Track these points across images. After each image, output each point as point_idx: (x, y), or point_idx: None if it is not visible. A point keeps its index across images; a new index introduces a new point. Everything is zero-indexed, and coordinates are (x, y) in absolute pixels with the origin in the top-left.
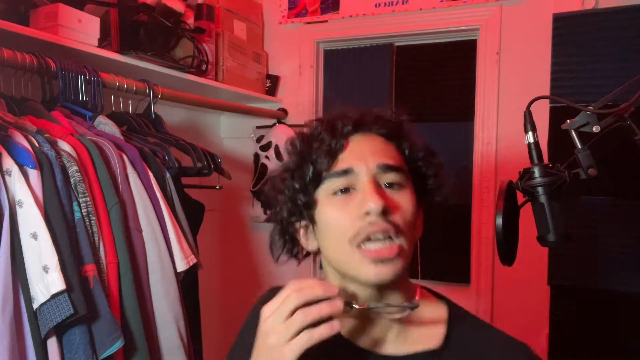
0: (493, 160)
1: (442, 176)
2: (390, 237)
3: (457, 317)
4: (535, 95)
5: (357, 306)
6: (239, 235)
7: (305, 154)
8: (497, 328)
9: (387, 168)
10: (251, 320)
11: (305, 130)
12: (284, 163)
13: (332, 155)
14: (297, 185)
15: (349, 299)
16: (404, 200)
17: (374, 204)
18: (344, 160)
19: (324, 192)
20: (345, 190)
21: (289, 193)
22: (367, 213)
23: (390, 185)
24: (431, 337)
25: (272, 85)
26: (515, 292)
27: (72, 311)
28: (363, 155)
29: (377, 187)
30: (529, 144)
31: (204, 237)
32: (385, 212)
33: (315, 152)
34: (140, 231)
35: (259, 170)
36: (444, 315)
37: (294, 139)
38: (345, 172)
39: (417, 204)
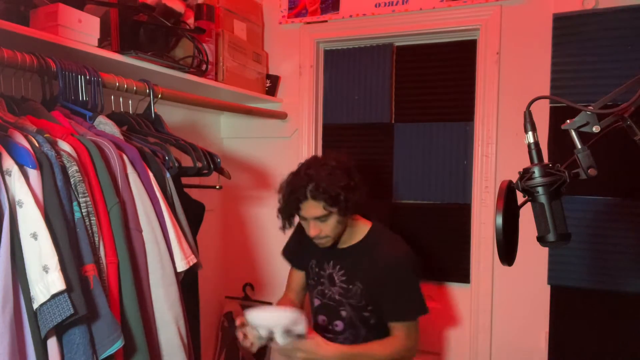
0: (493, 160)
1: (352, 203)
2: (321, 239)
3: (374, 227)
4: (535, 95)
5: None
6: (239, 235)
7: (287, 204)
8: (396, 237)
9: (317, 217)
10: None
11: (286, 187)
12: (281, 195)
13: (298, 208)
14: (287, 209)
15: None
16: (325, 225)
17: (311, 235)
18: (304, 210)
19: (299, 215)
20: (305, 219)
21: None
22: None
23: (319, 218)
24: (359, 236)
25: (272, 85)
26: (515, 292)
27: (72, 311)
28: (309, 213)
29: (314, 224)
30: (529, 144)
31: (204, 237)
32: (317, 233)
33: (291, 205)
34: (140, 231)
35: None
36: (369, 226)
37: (280, 192)
38: (305, 217)
39: (340, 216)
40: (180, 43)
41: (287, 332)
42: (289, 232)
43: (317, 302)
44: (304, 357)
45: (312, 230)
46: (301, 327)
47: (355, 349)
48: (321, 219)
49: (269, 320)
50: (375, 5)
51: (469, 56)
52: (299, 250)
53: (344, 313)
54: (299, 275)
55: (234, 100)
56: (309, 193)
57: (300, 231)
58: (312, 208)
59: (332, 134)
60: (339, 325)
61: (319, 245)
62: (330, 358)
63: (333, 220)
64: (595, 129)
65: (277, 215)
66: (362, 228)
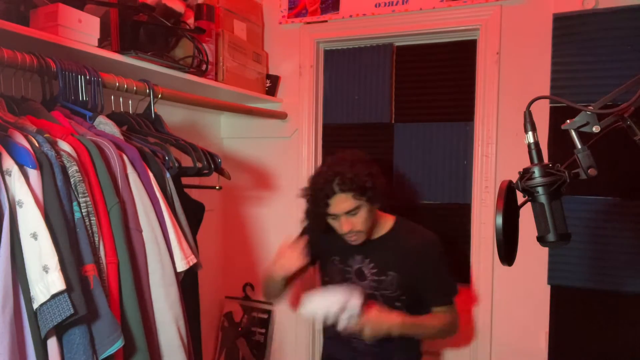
0: (493, 160)
1: (379, 191)
2: (353, 235)
3: (399, 219)
4: (535, 95)
5: None
6: (239, 235)
7: (315, 203)
8: (422, 226)
9: (347, 212)
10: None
11: (311, 187)
12: (308, 196)
13: (327, 205)
14: (316, 209)
15: None
16: (357, 219)
17: (344, 230)
18: (333, 207)
19: (329, 215)
20: (335, 217)
21: (314, 209)
22: (342, 232)
23: (349, 213)
24: (386, 228)
25: (272, 85)
26: (515, 292)
27: (72, 311)
28: (339, 208)
29: (345, 219)
30: (529, 144)
31: (204, 237)
32: (350, 229)
33: (319, 204)
34: (140, 231)
35: None
36: (394, 219)
37: (307, 193)
38: (335, 215)
39: (370, 205)
40: (180, 43)
41: (342, 313)
42: (290, 232)
43: None
44: (371, 332)
45: (345, 225)
46: (355, 303)
47: (413, 319)
48: (352, 212)
49: (321, 309)
50: (375, 5)
51: (469, 56)
52: (316, 243)
53: None
54: (303, 262)
55: (234, 100)
56: (337, 187)
57: (318, 227)
58: (341, 202)
59: (332, 134)
60: None
61: (352, 242)
62: (395, 327)
63: (363, 212)
64: (595, 129)
65: (305, 218)
66: (387, 220)
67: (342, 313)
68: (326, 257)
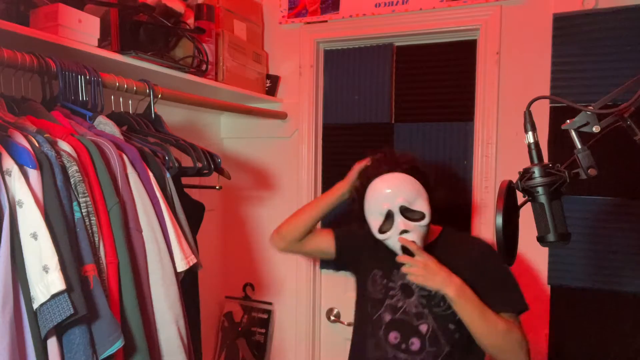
0: (493, 160)
1: (428, 174)
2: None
3: (446, 228)
4: (535, 95)
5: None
6: (239, 235)
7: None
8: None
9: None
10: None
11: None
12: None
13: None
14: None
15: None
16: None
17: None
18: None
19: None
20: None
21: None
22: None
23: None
24: (432, 237)
25: (272, 85)
26: None
27: (72, 311)
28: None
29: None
30: (529, 144)
31: (204, 237)
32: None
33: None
34: (140, 231)
35: None
36: (440, 228)
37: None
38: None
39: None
40: (180, 43)
41: (406, 211)
42: None
43: (388, 317)
44: (423, 273)
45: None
46: (420, 203)
47: (475, 296)
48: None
49: (390, 190)
50: (375, 5)
51: (469, 56)
52: (358, 249)
53: (423, 328)
54: (330, 244)
55: (234, 100)
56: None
57: (365, 236)
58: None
59: (332, 134)
60: (416, 343)
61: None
62: (451, 285)
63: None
64: (595, 129)
65: (353, 201)
66: (433, 229)
67: (403, 210)
68: (366, 270)
